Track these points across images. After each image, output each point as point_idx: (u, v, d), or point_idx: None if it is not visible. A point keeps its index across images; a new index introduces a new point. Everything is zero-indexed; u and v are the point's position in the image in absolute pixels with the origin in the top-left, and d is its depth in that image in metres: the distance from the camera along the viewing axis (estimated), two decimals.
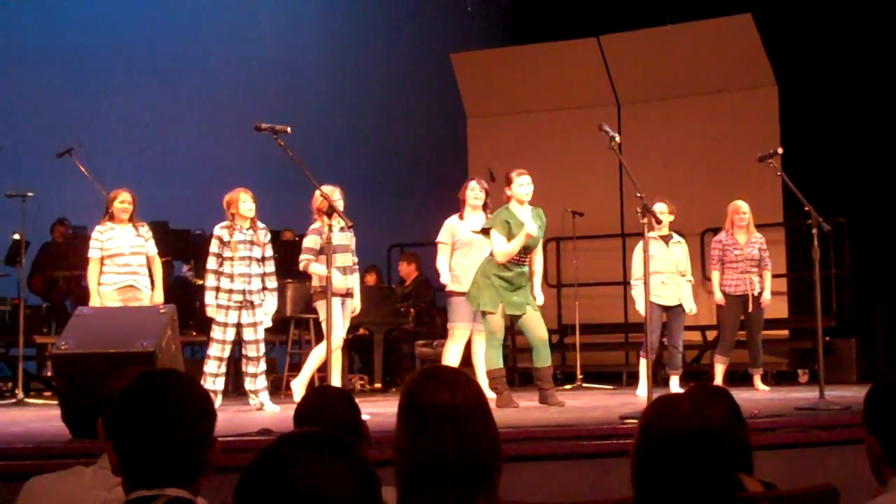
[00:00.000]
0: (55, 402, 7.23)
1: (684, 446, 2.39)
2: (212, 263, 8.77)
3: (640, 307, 9.53)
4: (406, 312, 12.40)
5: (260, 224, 8.90)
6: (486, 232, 8.66)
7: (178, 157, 14.26)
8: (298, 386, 8.94)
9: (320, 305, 8.88)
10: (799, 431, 6.33)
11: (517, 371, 12.51)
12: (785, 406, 7.68)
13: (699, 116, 13.74)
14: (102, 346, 6.63)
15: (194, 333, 11.68)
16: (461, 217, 9.00)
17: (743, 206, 10.19)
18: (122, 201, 9.03)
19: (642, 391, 9.29)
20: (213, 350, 8.72)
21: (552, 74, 14.40)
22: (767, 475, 3.73)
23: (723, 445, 2.43)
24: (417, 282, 12.77)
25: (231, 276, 8.71)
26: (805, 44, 13.37)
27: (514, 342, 12.30)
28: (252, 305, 8.76)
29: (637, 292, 9.64)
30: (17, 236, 11.01)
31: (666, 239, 9.86)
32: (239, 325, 8.74)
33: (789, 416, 7.00)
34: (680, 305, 9.75)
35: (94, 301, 8.89)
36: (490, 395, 8.25)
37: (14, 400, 9.94)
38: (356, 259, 9.16)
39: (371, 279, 13.03)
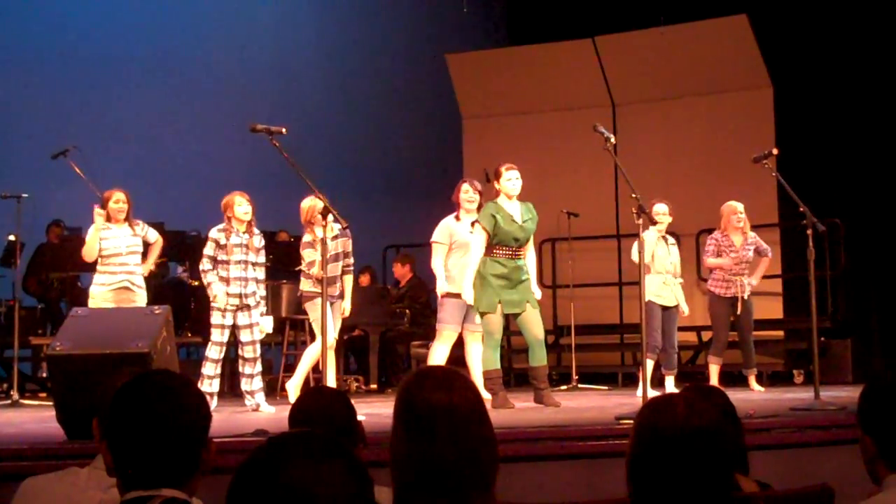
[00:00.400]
0: (50, 404, 7.21)
1: (679, 447, 2.39)
2: (206, 264, 8.78)
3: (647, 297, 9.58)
4: (401, 313, 12.40)
5: (255, 230, 8.92)
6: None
7: (174, 158, 14.25)
8: (293, 387, 8.95)
9: (310, 307, 8.93)
10: (794, 432, 6.34)
11: (513, 372, 12.51)
12: (780, 406, 7.68)
13: (694, 117, 13.74)
14: (97, 347, 6.63)
15: (189, 334, 11.67)
16: (457, 219, 8.99)
17: (739, 206, 10.19)
18: (117, 201, 9.02)
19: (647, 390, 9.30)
20: (212, 353, 8.73)
21: (547, 75, 14.41)
22: (763, 475, 3.73)
23: (718, 446, 2.43)
24: (412, 283, 12.77)
25: (227, 280, 8.72)
26: (800, 45, 13.38)
27: (509, 343, 12.30)
28: (248, 308, 8.77)
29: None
30: (12, 237, 11.01)
31: (663, 240, 9.88)
32: (235, 327, 8.76)
33: (785, 416, 7.00)
34: (676, 306, 9.78)
35: (90, 301, 8.88)
36: (486, 395, 8.24)
37: (9, 401, 9.92)
38: (350, 261, 9.19)
39: (365, 280, 13.03)
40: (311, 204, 8.76)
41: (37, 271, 12.14)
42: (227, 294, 8.71)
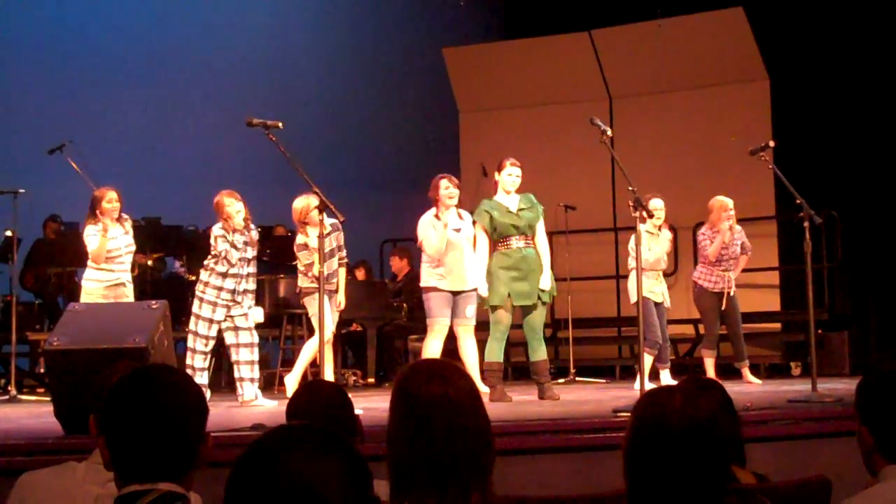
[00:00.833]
0: (48, 399, 7.22)
1: (676, 439, 2.39)
2: (220, 266, 8.77)
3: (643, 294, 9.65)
4: (399, 307, 12.40)
5: (251, 225, 8.95)
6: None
7: (171, 153, 14.23)
8: (292, 381, 8.94)
9: (308, 302, 8.92)
10: (791, 424, 6.35)
11: (510, 365, 12.51)
12: (777, 398, 7.68)
13: (691, 110, 13.74)
14: (95, 342, 6.62)
15: (187, 329, 11.66)
16: (437, 216, 8.91)
17: (730, 203, 10.16)
18: (110, 200, 9.00)
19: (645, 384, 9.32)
20: (199, 345, 8.74)
21: (544, 69, 14.40)
22: (760, 467, 3.75)
23: (715, 438, 2.43)
24: (410, 277, 12.75)
25: (224, 276, 8.73)
26: (796, 37, 13.38)
27: (508, 336, 12.29)
28: (239, 305, 8.81)
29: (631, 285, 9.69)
30: (8, 233, 11.00)
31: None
32: (230, 317, 8.77)
33: (782, 408, 7.00)
34: (664, 300, 9.81)
35: (84, 297, 8.87)
36: (483, 388, 8.25)
37: (7, 397, 9.93)
38: (343, 253, 9.19)
39: (361, 274, 13.03)
40: (305, 203, 8.76)
41: (34, 266, 12.13)
42: (221, 289, 8.73)
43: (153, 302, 7.33)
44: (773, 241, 13.12)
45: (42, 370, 11.21)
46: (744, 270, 10.64)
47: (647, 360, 9.32)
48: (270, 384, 11.01)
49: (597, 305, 13.48)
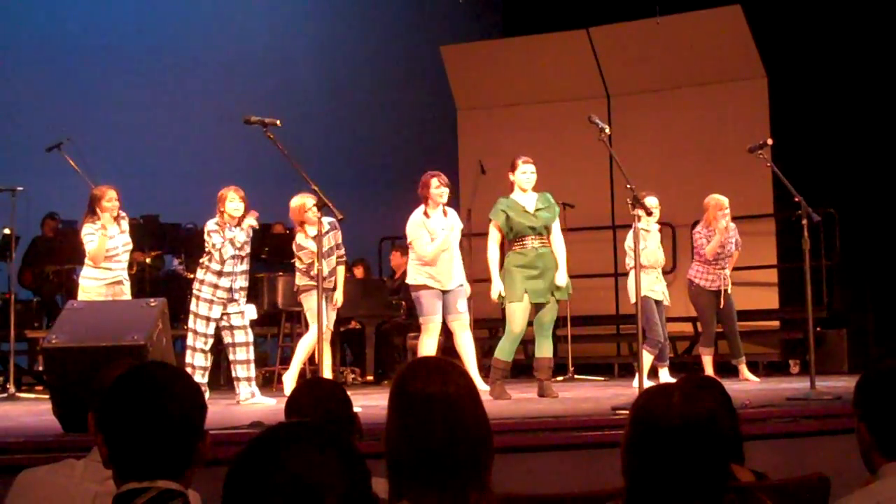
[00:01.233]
0: (47, 397, 7.21)
1: (675, 436, 2.39)
2: (213, 263, 8.76)
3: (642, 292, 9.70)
4: (397, 305, 12.39)
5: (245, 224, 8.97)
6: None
7: (169, 150, 14.22)
8: (290, 379, 8.94)
9: (304, 297, 8.93)
10: (790, 421, 6.35)
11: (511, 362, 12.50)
12: (776, 396, 7.69)
13: (689, 108, 13.74)
14: (93, 340, 6.62)
15: (185, 327, 11.65)
16: (426, 214, 8.90)
17: (725, 201, 10.16)
18: (110, 199, 8.98)
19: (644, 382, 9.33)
20: (198, 343, 8.74)
21: (542, 67, 14.39)
22: (759, 465, 3.74)
23: (714, 435, 2.43)
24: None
25: (219, 273, 8.73)
26: (794, 35, 13.38)
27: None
28: (235, 302, 8.81)
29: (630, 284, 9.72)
30: (7, 231, 10.99)
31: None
32: (226, 315, 8.78)
33: (780, 406, 7.01)
34: (663, 299, 9.81)
35: (82, 295, 8.86)
36: (482, 386, 8.26)
37: (6, 395, 9.92)
38: (342, 251, 9.19)
39: (360, 272, 13.03)
40: (302, 202, 8.77)
41: (32, 264, 12.13)
42: (216, 287, 8.74)
43: (151, 300, 7.32)
44: (771, 239, 13.12)
45: (41, 368, 11.20)
46: (742, 268, 10.67)
47: (647, 359, 9.32)
48: (269, 382, 11.01)
49: (595, 303, 13.47)
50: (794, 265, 11.15)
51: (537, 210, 8.70)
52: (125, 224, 9.16)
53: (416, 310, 8.98)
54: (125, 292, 9.05)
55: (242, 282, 8.89)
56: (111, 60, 14.21)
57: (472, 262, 9.19)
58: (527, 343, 9.04)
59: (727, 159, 12.47)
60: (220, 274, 8.74)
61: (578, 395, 9.08)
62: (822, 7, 13.20)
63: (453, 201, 9.46)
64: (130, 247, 9.21)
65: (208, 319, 8.75)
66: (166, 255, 12.80)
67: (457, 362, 2.98)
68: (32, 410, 8.28)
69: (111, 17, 14.49)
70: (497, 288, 8.59)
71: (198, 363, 8.70)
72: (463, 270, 8.95)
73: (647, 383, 7.73)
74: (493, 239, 8.72)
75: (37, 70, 13.74)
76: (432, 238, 8.82)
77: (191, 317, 8.85)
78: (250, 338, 8.90)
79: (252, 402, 8.64)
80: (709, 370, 9.92)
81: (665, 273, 10.28)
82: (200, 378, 8.52)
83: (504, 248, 8.90)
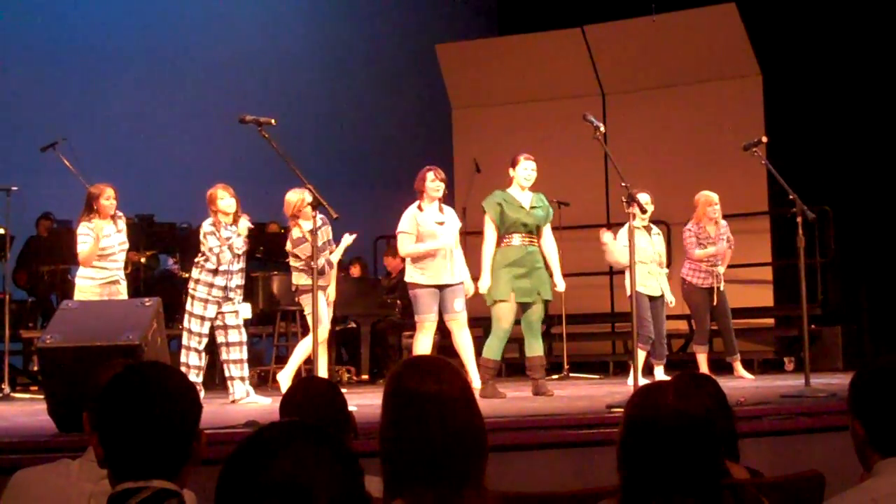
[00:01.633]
0: (41, 397, 7.20)
1: (670, 434, 2.40)
2: (210, 263, 8.75)
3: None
4: (392, 304, 12.40)
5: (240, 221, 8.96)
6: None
7: (164, 150, 14.20)
8: (285, 378, 8.93)
9: (304, 299, 8.91)
10: (785, 419, 6.35)
11: (504, 361, 12.50)
12: (771, 393, 7.70)
13: (684, 106, 13.75)
14: (88, 340, 6.62)
15: (180, 327, 11.64)
16: (420, 208, 8.90)
17: (715, 197, 10.19)
18: (108, 197, 8.98)
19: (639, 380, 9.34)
20: (193, 342, 8.72)
21: (537, 65, 14.40)
22: (753, 462, 3.75)
23: (708, 433, 2.44)
24: (403, 273, 12.73)
25: (214, 272, 8.73)
26: (789, 33, 13.40)
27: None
28: (230, 300, 8.81)
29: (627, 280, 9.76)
30: (1, 231, 10.97)
31: (647, 230, 9.89)
32: (220, 314, 8.76)
33: (775, 403, 7.02)
34: (662, 296, 9.81)
35: (78, 295, 8.86)
36: (475, 385, 8.25)
37: (0, 395, 9.91)
38: (334, 247, 9.20)
39: (355, 271, 13.02)
40: (299, 197, 8.76)
41: (27, 264, 12.11)
42: (212, 285, 8.73)
43: (146, 299, 7.32)
44: (766, 237, 13.14)
45: (35, 368, 11.20)
46: (737, 265, 10.67)
47: (640, 356, 9.32)
48: (264, 381, 11.00)
49: (590, 301, 13.47)
50: (789, 262, 11.17)
51: (532, 208, 8.70)
52: (122, 224, 9.15)
53: (413, 308, 8.97)
54: (122, 292, 9.04)
55: (239, 280, 8.89)
56: (106, 60, 14.19)
57: (465, 259, 9.16)
58: (521, 342, 9.03)
59: (722, 157, 12.47)
60: (215, 272, 8.73)
61: (573, 393, 9.09)
62: (817, 4, 13.21)
63: (448, 199, 9.45)
64: (126, 246, 9.20)
65: (203, 318, 8.74)
66: (161, 254, 12.78)
67: (452, 361, 2.98)
68: (27, 410, 8.27)
69: (106, 18, 14.46)
70: (486, 282, 8.58)
71: (193, 362, 8.69)
72: (466, 269, 8.90)
73: (642, 381, 7.73)
74: (490, 231, 8.69)
75: (31, 70, 13.71)
76: (418, 231, 8.77)
77: (186, 316, 8.83)
78: (244, 337, 8.89)
79: (247, 402, 8.63)
80: (703, 368, 9.92)
81: None
82: (195, 377, 8.50)
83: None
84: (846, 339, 12.03)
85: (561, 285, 8.80)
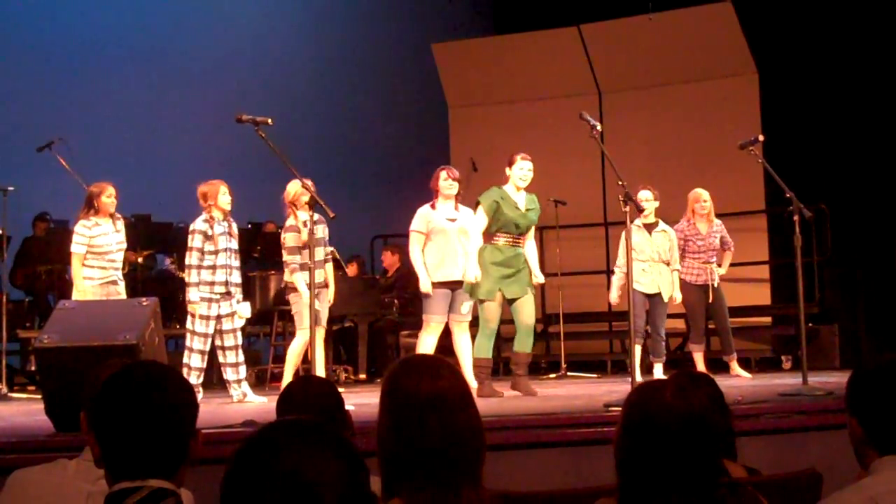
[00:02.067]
0: (39, 396, 7.20)
1: (667, 433, 2.40)
2: (194, 259, 8.75)
3: (613, 295, 10.00)
4: (390, 303, 12.40)
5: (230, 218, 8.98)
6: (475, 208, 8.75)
7: (160, 150, 14.19)
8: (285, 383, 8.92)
9: (293, 298, 8.90)
10: (782, 417, 6.35)
11: (501, 360, 12.51)
12: (768, 392, 7.69)
13: (680, 104, 13.75)
14: (85, 340, 6.60)
15: (178, 326, 11.65)
16: (433, 207, 8.92)
17: (704, 194, 10.19)
18: (109, 196, 8.98)
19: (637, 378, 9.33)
20: (197, 343, 8.70)
21: (533, 64, 14.40)
22: (751, 461, 3.75)
23: (706, 431, 2.44)
24: (401, 272, 12.76)
25: (213, 268, 8.72)
26: (785, 31, 13.40)
27: (499, 332, 12.29)
28: (230, 295, 8.79)
29: (613, 279, 9.81)
30: None
31: (650, 227, 9.88)
32: (218, 317, 8.76)
33: (773, 402, 7.01)
34: (660, 294, 9.79)
35: (77, 295, 8.86)
36: (472, 384, 8.24)
37: None
38: (329, 248, 9.20)
39: (353, 270, 13.02)
40: (300, 189, 8.75)
41: (24, 264, 12.11)
42: (213, 283, 8.72)
43: (143, 299, 7.31)
44: (762, 236, 13.14)
45: (33, 368, 11.19)
46: (734, 264, 10.65)
47: (636, 352, 9.30)
48: (262, 381, 11.00)
49: (587, 300, 13.47)
50: (786, 261, 11.19)
51: (528, 210, 8.72)
52: (120, 224, 9.15)
53: (422, 306, 8.99)
54: (120, 292, 9.03)
55: (237, 276, 8.88)
56: (102, 60, 14.18)
57: None
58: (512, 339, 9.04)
59: (718, 156, 12.48)
60: (213, 269, 8.71)
61: (571, 392, 9.08)
62: (813, 3, 13.21)
63: None
64: (124, 245, 9.20)
65: (208, 318, 8.70)
66: (158, 254, 12.78)
67: (451, 360, 2.98)
68: (24, 410, 8.26)
69: (102, 17, 14.45)
70: (475, 271, 8.55)
71: (194, 364, 8.67)
72: (478, 268, 8.87)
73: (640, 379, 7.73)
74: (481, 222, 8.69)
75: (27, 70, 13.70)
76: (429, 231, 8.78)
77: (189, 318, 8.81)
78: (239, 340, 8.89)
79: (245, 402, 8.63)
80: (700, 366, 9.92)
81: None
82: (195, 379, 8.49)
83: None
84: (843, 337, 12.03)
85: (540, 277, 8.83)
